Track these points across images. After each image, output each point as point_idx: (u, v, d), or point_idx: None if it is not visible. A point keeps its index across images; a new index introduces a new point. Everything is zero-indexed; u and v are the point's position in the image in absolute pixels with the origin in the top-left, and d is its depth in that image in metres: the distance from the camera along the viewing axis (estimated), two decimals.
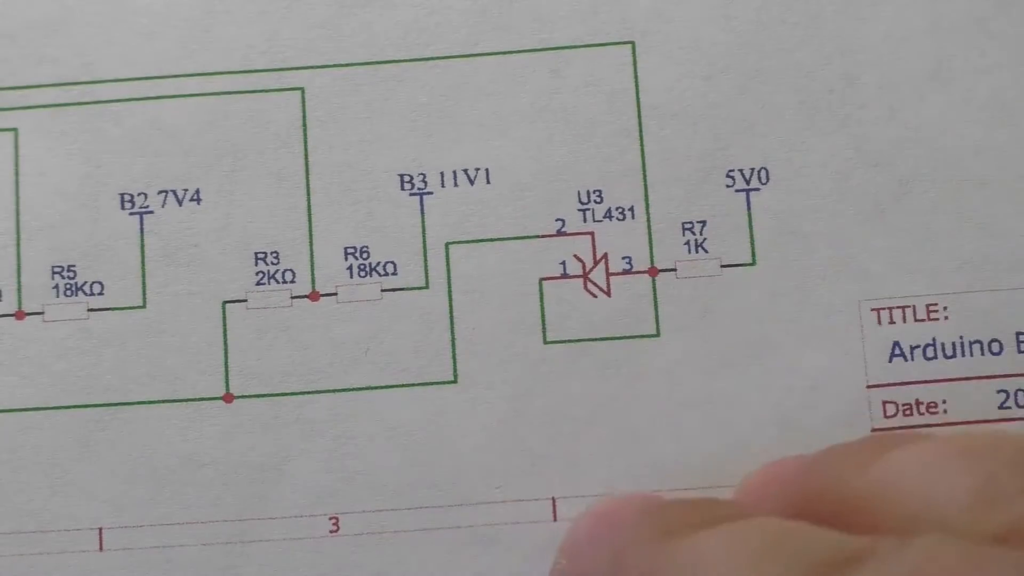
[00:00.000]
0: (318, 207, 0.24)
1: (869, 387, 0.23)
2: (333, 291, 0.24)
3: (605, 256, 0.24)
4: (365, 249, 0.24)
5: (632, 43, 0.24)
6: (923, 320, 0.23)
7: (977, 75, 0.24)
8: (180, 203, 0.24)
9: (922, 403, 0.23)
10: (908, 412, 0.23)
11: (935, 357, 0.23)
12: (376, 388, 0.23)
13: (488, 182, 0.24)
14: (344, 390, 0.23)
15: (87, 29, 0.25)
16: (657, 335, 0.23)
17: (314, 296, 0.24)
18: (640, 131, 0.24)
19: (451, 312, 0.24)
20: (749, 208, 0.24)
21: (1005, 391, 0.23)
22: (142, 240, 0.24)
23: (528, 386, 0.23)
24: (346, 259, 0.24)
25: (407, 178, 0.24)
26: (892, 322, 0.23)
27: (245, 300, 0.24)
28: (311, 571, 0.23)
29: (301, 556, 0.23)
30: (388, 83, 0.24)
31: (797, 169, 0.24)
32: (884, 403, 0.23)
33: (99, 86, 0.24)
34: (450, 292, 0.24)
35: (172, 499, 0.23)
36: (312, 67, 0.24)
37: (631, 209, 0.24)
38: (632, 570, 0.19)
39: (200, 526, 0.23)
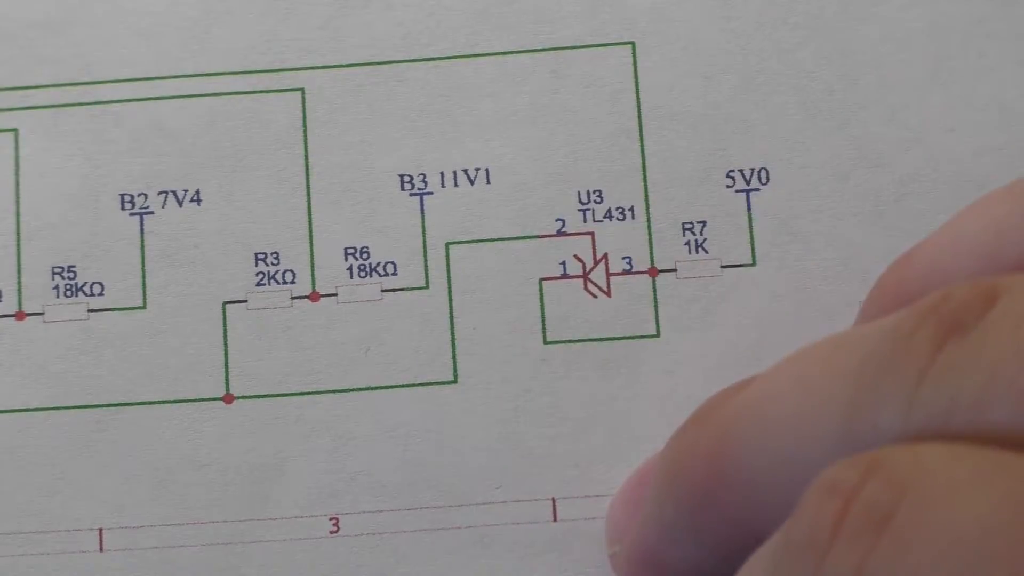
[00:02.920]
0: (318, 207, 0.24)
1: None
2: (333, 291, 0.24)
3: (605, 256, 0.24)
4: (365, 249, 0.24)
5: (632, 43, 0.24)
6: None
7: (977, 75, 0.24)
8: (180, 204, 0.24)
9: None
10: None
11: None
12: (376, 388, 0.23)
13: (488, 182, 0.24)
14: (344, 390, 0.23)
15: (87, 29, 0.25)
16: (657, 335, 0.23)
17: (314, 296, 0.24)
18: (640, 131, 0.24)
19: (451, 312, 0.24)
20: (749, 208, 0.24)
21: None
22: (142, 241, 0.24)
23: (528, 386, 0.23)
24: (346, 259, 0.24)
25: (407, 178, 0.24)
26: None
27: (245, 300, 0.24)
28: (311, 571, 0.23)
29: (301, 556, 0.23)
30: (388, 83, 0.24)
31: (797, 169, 0.24)
32: None
33: (99, 86, 0.24)
34: (450, 292, 0.24)
35: (172, 499, 0.23)
36: (312, 67, 0.24)
37: (631, 209, 0.24)
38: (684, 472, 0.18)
39: (200, 526, 0.23)
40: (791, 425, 0.16)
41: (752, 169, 0.24)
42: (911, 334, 0.15)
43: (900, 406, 0.15)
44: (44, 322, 0.24)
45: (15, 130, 0.24)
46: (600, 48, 0.24)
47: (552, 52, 0.24)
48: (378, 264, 0.24)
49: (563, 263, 0.24)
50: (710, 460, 0.18)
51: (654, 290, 0.24)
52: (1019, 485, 0.13)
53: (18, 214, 0.24)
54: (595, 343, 0.23)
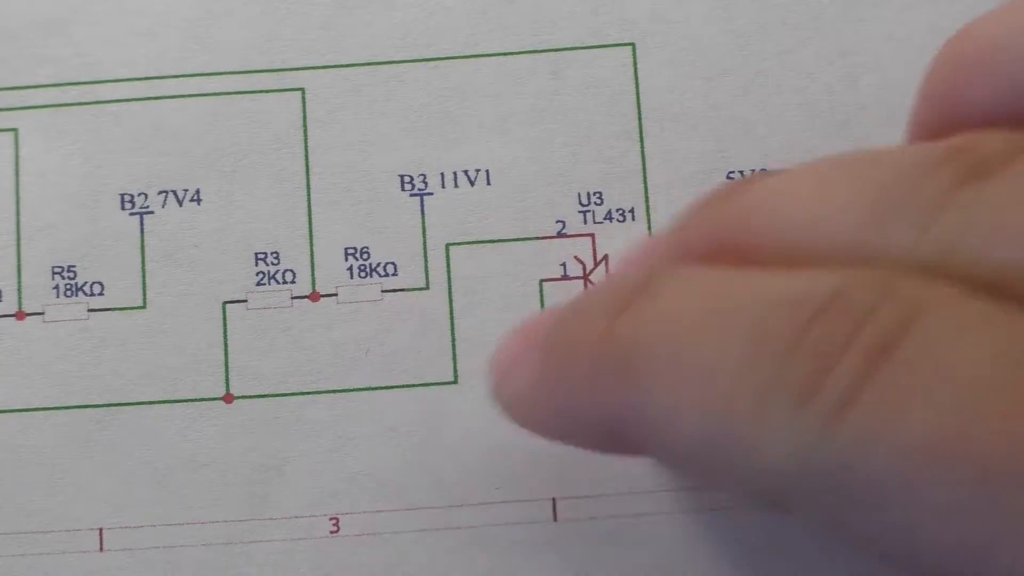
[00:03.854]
0: (318, 208, 0.24)
1: None
2: (333, 292, 0.24)
3: (606, 258, 0.24)
4: (365, 250, 0.24)
5: (632, 44, 0.24)
6: None
7: None
8: (180, 203, 0.24)
9: None
10: None
11: None
12: (376, 388, 0.23)
13: (488, 183, 0.24)
14: (344, 390, 0.23)
15: (87, 29, 0.24)
16: None
17: (314, 297, 0.24)
18: (640, 133, 0.24)
19: (451, 313, 0.24)
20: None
21: None
22: (142, 240, 0.24)
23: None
24: (346, 260, 0.24)
25: (407, 179, 0.24)
26: None
27: (245, 300, 0.24)
28: (311, 571, 0.23)
29: (301, 556, 0.23)
30: (388, 84, 0.24)
31: None
32: None
33: (99, 86, 0.24)
34: (450, 293, 0.24)
35: (172, 499, 0.23)
36: (312, 67, 0.24)
37: (631, 211, 0.24)
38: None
39: (200, 526, 0.23)
40: (808, 225, 0.16)
41: (752, 169, 0.24)
42: (936, 168, 0.15)
43: (914, 231, 0.15)
44: (44, 322, 0.24)
45: (15, 130, 0.24)
46: (600, 49, 0.24)
47: (552, 52, 0.24)
48: (378, 264, 0.24)
49: (563, 264, 0.24)
50: (718, 240, 0.18)
51: None
52: (1019, 341, 0.14)
53: (18, 214, 0.24)
54: None
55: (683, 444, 0.16)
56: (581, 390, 0.17)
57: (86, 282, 0.24)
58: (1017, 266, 0.14)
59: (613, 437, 0.17)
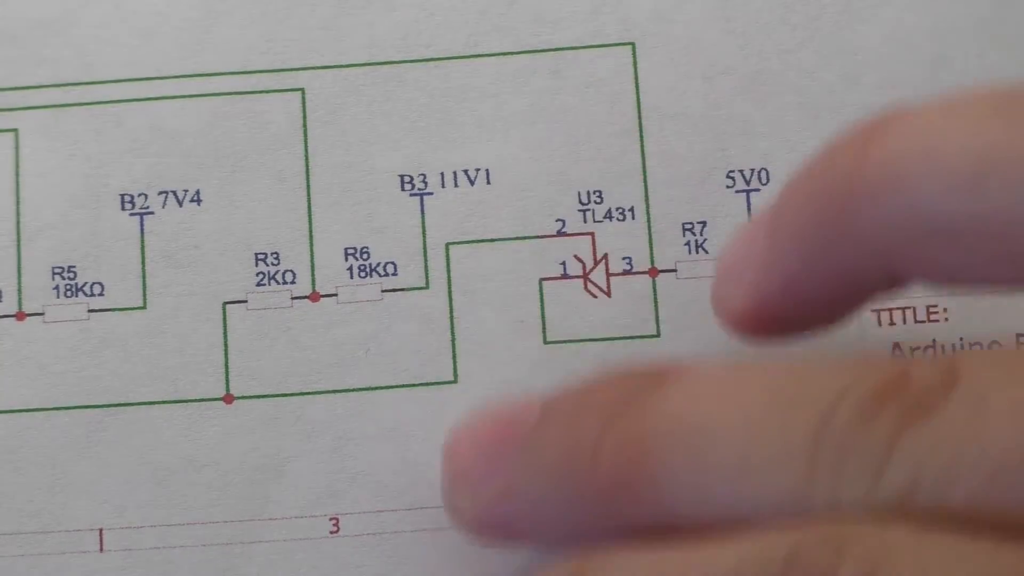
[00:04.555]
0: (318, 208, 0.24)
1: None
2: (333, 292, 0.24)
3: (605, 257, 0.24)
4: (365, 250, 0.24)
5: (632, 44, 0.24)
6: (923, 322, 0.23)
7: (977, 75, 0.24)
8: (180, 204, 0.24)
9: None
10: None
11: None
12: (376, 388, 0.23)
13: (488, 182, 0.24)
14: (344, 390, 0.23)
15: (87, 29, 0.24)
16: (657, 335, 0.23)
17: (314, 297, 0.24)
18: (640, 132, 0.24)
19: (451, 312, 0.24)
20: (749, 208, 0.24)
21: None
22: (142, 241, 0.24)
23: (528, 386, 0.23)
24: (346, 260, 0.24)
25: (407, 179, 0.24)
26: (892, 323, 0.23)
27: (245, 301, 0.24)
28: (311, 572, 0.23)
29: (301, 556, 0.23)
30: (388, 84, 0.24)
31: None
32: None
33: (99, 87, 0.24)
34: (450, 292, 0.24)
35: (172, 500, 0.23)
36: (312, 68, 0.24)
37: (631, 210, 0.24)
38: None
39: (200, 527, 0.23)
40: (735, 473, 0.16)
41: (752, 169, 0.24)
42: (874, 413, 0.15)
43: (865, 481, 0.15)
44: (44, 322, 0.24)
45: (15, 130, 0.24)
46: (600, 48, 0.24)
47: (552, 52, 0.24)
48: (378, 264, 0.24)
49: (563, 263, 0.24)
50: (619, 482, 0.17)
51: (654, 290, 0.24)
52: (991, 568, 0.14)
53: (18, 214, 0.24)
54: (595, 343, 0.23)
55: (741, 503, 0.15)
56: (577, 502, 0.17)
57: (86, 282, 0.24)
58: (981, 496, 0.14)
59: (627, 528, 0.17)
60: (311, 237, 0.24)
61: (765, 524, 0.15)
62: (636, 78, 0.24)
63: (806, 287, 0.18)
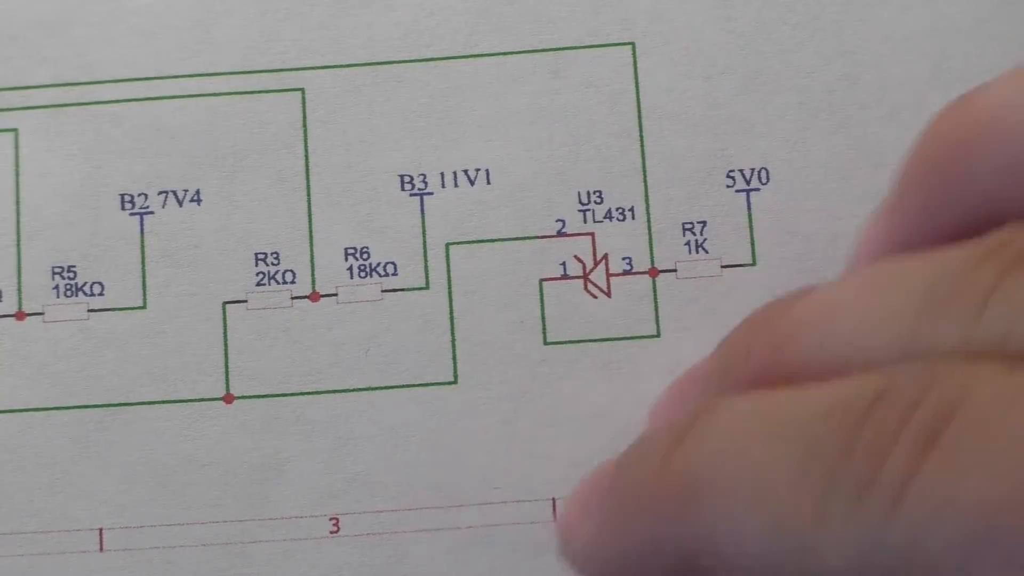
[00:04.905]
0: (318, 208, 0.24)
1: None
2: (333, 292, 0.24)
3: (605, 257, 0.24)
4: (365, 250, 0.24)
5: (632, 44, 0.24)
6: None
7: (977, 75, 0.24)
8: (180, 204, 0.24)
9: None
10: None
11: None
12: (376, 388, 0.23)
13: (488, 183, 0.24)
14: (344, 390, 0.23)
15: (87, 29, 0.24)
16: (657, 335, 0.23)
17: (314, 297, 0.24)
18: (640, 132, 0.24)
19: (451, 312, 0.24)
20: (749, 208, 0.24)
21: None
22: (142, 241, 0.24)
23: (528, 386, 0.23)
24: (346, 260, 0.24)
25: (407, 179, 0.24)
26: None
27: (245, 301, 0.24)
28: (311, 571, 0.23)
29: (301, 556, 0.23)
30: (388, 84, 0.24)
31: (797, 169, 0.24)
32: None
33: (99, 86, 0.24)
34: (450, 292, 0.24)
35: (172, 500, 0.23)
36: (312, 68, 0.24)
37: (631, 210, 0.24)
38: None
39: (200, 527, 0.23)
40: (855, 334, 0.17)
41: (752, 169, 0.24)
42: (980, 264, 0.16)
43: (962, 327, 0.15)
44: (44, 322, 0.24)
45: (15, 130, 0.24)
46: (600, 48, 0.24)
47: (552, 52, 0.24)
48: (378, 264, 0.24)
49: (563, 263, 0.24)
50: (763, 366, 0.18)
51: (654, 290, 0.24)
52: None
53: (18, 214, 0.24)
54: (595, 343, 0.23)
55: (750, 564, 0.16)
56: (644, 529, 0.17)
57: (86, 282, 0.24)
58: None
59: (684, 570, 0.17)
60: (311, 237, 0.24)
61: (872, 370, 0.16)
62: (636, 78, 0.24)
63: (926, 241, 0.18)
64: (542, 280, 0.24)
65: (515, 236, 0.24)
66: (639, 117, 0.24)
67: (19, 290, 0.24)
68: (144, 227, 0.24)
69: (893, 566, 0.14)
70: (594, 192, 0.24)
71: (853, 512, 0.15)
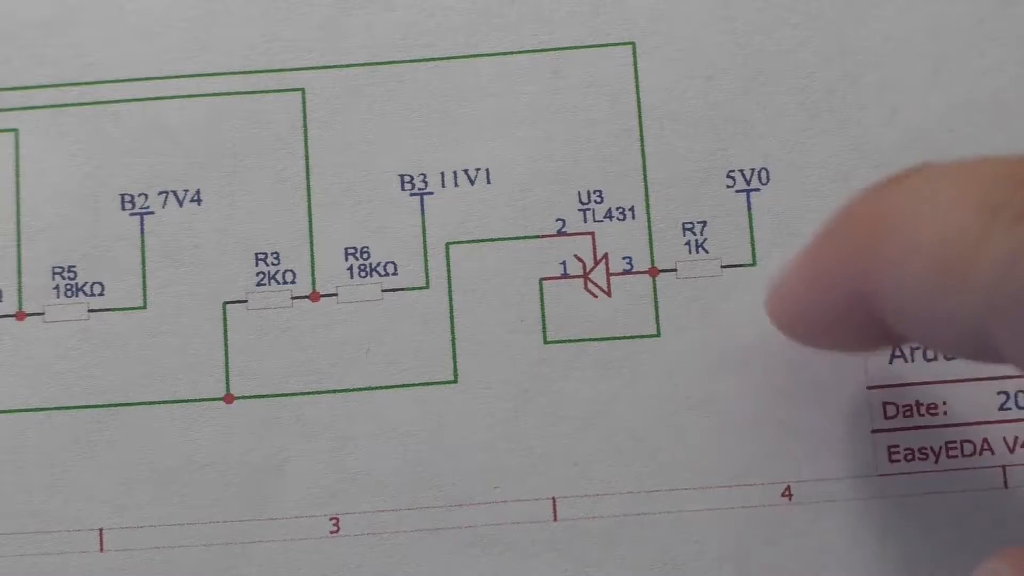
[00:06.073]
0: (318, 208, 0.24)
1: (869, 388, 0.23)
2: (333, 291, 0.24)
3: (605, 256, 0.24)
4: (365, 249, 0.24)
5: (633, 44, 0.24)
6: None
7: (977, 75, 0.24)
8: (180, 204, 0.24)
9: (922, 404, 0.23)
10: (908, 413, 0.23)
11: (935, 358, 0.23)
12: (376, 388, 0.23)
13: (488, 182, 0.24)
14: (344, 390, 0.23)
15: (87, 29, 0.25)
16: (657, 335, 0.23)
17: (314, 297, 0.24)
18: (640, 131, 0.24)
19: (451, 312, 0.24)
20: (749, 208, 0.24)
21: (1005, 392, 0.23)
22: (143, 241, 0.24)
23: (528, 386, 0.23)
24: (346, 259, 0.24)
25: (407, 178, 0.24)
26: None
27: (245, 301, 0.24)
28: (311, 571, 0.23)
29: (301, 556, 0.23)
30: (388, 84, 0.24)
31: (797, 169, 0.24)
32: (884, 404, 0.23)
33: (99, 86, 0.24)
34: (450, 292, 0.24)
35: (173, 500, 0.23)
36: (312, 68, 0.24)
37: (631, 209, 0.24)
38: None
39: (200, 527, 0.23)
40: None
41: (752, 169, 0.24)
42: None
43: None
44: (44, 322, 0.24)
45: (15, 130, 0.24)
46: (600, 48, 0.24)
47: (552, 52, 0.24)
48: (378, 264, 0.24)
49: (563, 263, 0.24)
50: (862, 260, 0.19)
51: (654, 290, 0.24)
52: None
53: (18, 214, 0.24)
54: (595, 343, 0.23)
55: (913, 280, 0.18)
56: (834, 264, 0.20)
57: (86, 282, 0.24)
58: None
59: (861, 309, 0.19)
60: (311, 237, 0.24)
61: None
62: (636, 78, 0.24)
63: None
64: (542, 279, 0.24)
65: (515, 236, 0.24)
66: (639, 117, 0.24)
67: (19, 290, 0.24)
68: (144, 227, 0.24)
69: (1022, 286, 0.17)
70: (594, 192, 0.24)
71: (1009, 231, 0.17)
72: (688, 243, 0.24)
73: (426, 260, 0.24)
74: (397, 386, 0.23)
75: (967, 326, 0.18)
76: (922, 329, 0.19)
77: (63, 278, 0.24)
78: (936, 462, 0.23)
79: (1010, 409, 0.23)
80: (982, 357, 0.18)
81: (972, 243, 0.17)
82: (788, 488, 0.23)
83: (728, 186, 0.24)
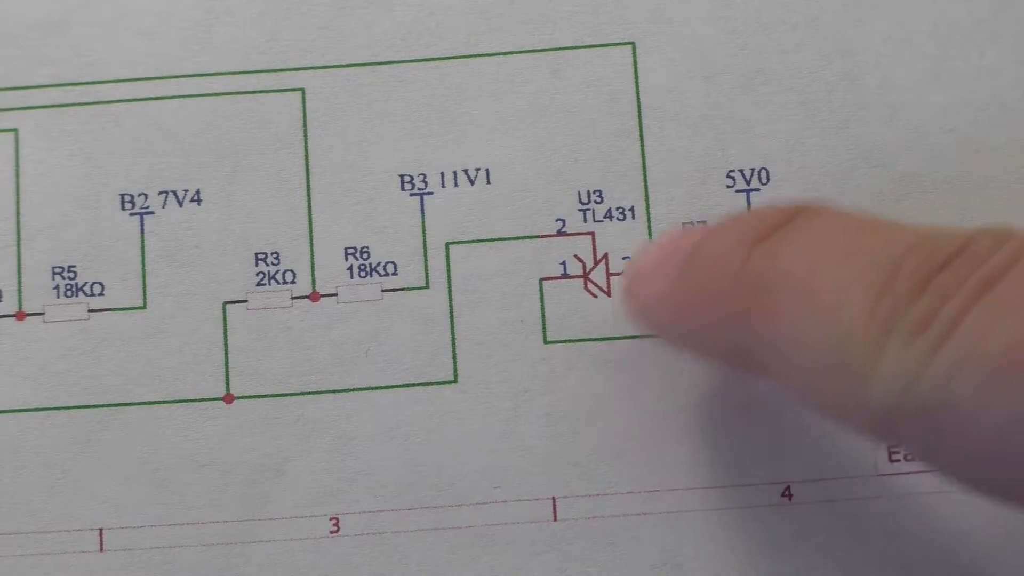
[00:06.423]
0: (318, 208, 0.24)
1: None
2: (333, 291, 0.24)
3: (606, 256, 0.24)
4: (365, 249, 0.24)
5: (632, 44, 0.24)
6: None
7: (977, 75, 0.24)
8: (180, 204, 0.24)
9: None
10: None
11: None
12: (376, 388, 0.23)
13: (488, 182, 0.24)
14: (344, 390, 0.23)
15: (87, 29, 0.25)
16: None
17: (314, 296, 0.24)
18: (640, 131, 0.24)
19: (451, 312, 0.24)
20: (749, 208, 0.24)
21: None
22: (143, 241, 0.24)
23: (528, 386, 0.23)
24: (346, 259, 0.24)
25: (407, 178, 0.24)
26: None
27: (245, 301, 0.24)
28: (311, 571, 0.23)
29: (301, 556, 0.23)
30: (388, 84, 0.24)
31: (797, 169, 0.24)
32: None
33: (99, 86, 0.24)
34: (450, 292, 0.24)
35: (172, 500, 0.23)
36: (312, 68, 0.24)
37: (631, 209, 0.24)
38: (722, 280, 0.19)
39: (200, 526, 0.23)
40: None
41: (752, 169, 0.24)
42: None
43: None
44: (44, 322, 0.24)
45: (15, 130, 0.24)
46: (600, 48, 0.24)
47: (552, 52, 0.24)
48: (378, 264, 0.24)
49: (563, 263, 0.24)
50: (742, 317, 0.18)
51: None
52: None
53: (18, 214, 0.24)
54: (595, 343, 0.23)
55: (803, 373, 0.17)
56: (714, 308, 0.19)
57: (86, 282, 0.24)
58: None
59: (737, 357, 0.19)
60: (311, 237, 0.24)
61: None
62: (636, 77, 0.24)
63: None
64: (542, 279, 0.24)
65: (515, 236, 0.24)
66: (639, 117, 0.24)
67: (19, 290, 0.24)
68: (144, 227, 0.24)
69: (922, 405, 0.15)
70: (594, 192, 0.24)
71: (906, 346, 0.16)
72: None
73: (426, 260, 0.24)
74: (397, 386, 0.23)
75: (862, 424, 0.17)
76: (814, 408, 0.18)
77: (63, 278, 0.24)
78: None
79: None
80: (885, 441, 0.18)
81: (867, 355, 0.16)
82: (788, 488, 0.23)
83: (728, 186, 0.24)
